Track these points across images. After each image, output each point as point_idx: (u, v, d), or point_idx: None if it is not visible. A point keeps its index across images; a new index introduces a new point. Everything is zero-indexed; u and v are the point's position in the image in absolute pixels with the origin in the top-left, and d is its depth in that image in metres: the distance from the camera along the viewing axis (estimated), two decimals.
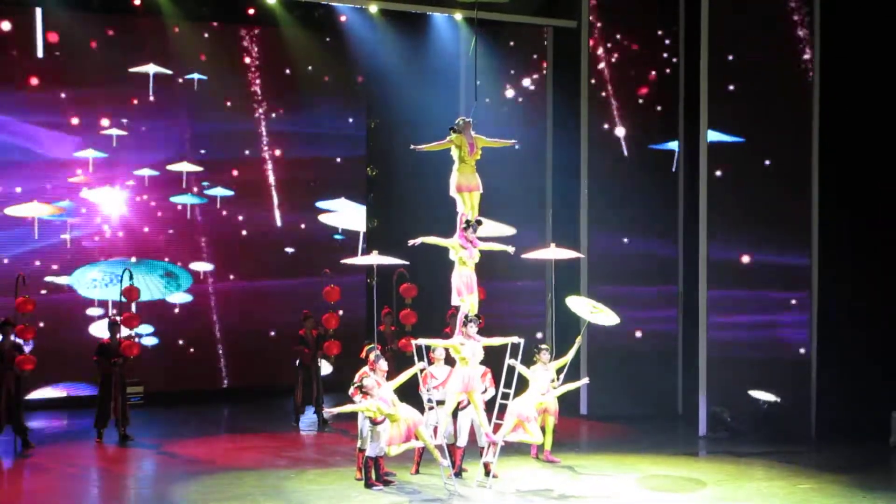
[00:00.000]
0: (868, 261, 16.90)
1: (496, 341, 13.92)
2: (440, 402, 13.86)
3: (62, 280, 19.60)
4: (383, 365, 13.72)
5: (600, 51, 19.01)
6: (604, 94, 19.03)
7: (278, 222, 21.11)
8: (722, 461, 15.45)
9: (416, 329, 17.47)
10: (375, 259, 15.32)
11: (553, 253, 15.36)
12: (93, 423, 16.63)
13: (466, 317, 13.80)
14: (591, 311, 14.97)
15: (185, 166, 20.46)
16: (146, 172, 20.15)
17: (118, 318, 16.88)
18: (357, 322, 20.53)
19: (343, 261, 16.72)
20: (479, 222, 14.11)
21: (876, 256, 16.92)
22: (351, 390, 13.77)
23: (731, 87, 17.24)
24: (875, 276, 16.89)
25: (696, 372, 17.41)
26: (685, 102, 18.92)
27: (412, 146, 14.26)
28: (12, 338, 15.91)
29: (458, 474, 14.00)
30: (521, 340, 13.87)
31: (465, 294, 13.99)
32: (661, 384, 18.99)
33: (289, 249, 21.15)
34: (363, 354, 14.07)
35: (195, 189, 20.54)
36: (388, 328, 18.08)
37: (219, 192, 20.76)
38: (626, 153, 19.11)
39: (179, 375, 20.31)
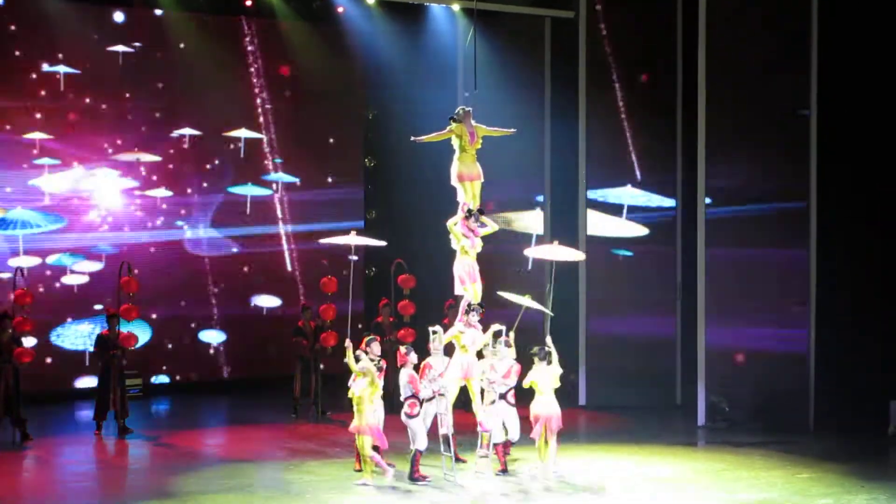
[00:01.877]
0: (866, 251, 16.89)
1: (488, 337, 13.97)
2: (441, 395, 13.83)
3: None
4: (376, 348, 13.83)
5: (598, 41, 18.95)
6: (602, 83, 18.97)
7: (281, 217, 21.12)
8: (720, 451, 15.46)
9: (414, 320, 17.48)
10: (353, 239, 14.97)
11: (555, 251, 14.95)
12: (92, 415, 16.65)
13: (469, 305, 13.83)
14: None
15: (244, 132, 20.28)
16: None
17: (117, 310, 16.89)
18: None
19: (321, 240, 16.43)
20: (480, 211, 14.13)
21: (874, 247, 16.91)
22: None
23: (728, 81, 17.19)
24: (873, 266, 16.89)
25: (695, 362, 17.41)
26: (683, 96, 18.87)
27: (413, 138, 14.26)
28: (10, 331, 15.91)
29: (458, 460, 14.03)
30: (503, 327, 13.91)
31: (467, 283, 14.06)
32: (659, 374, 18.99)
33: (353, 257, 20.44)
34: (363, 346, 14.08)
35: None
36: (387, 319, 18.08)
37: (281, 176, 20.89)
38: (628, 142, 19.07)
39: (179, 367, 20.33)
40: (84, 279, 19.48)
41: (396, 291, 18.00)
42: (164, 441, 16.23)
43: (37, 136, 19.16)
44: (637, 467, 14.36)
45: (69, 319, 19.33)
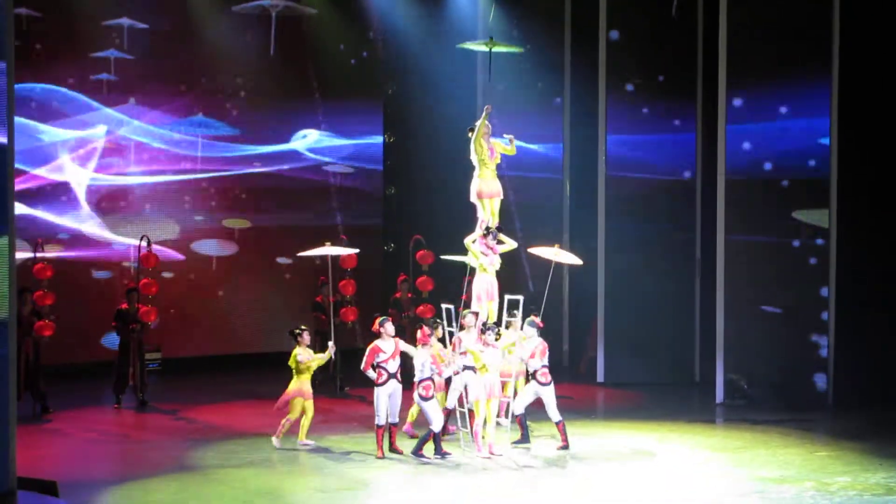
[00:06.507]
0: (886, 230, 16.84)
1: (504, 342, 13.99)
2: (468, 367, 13.76)
3: None
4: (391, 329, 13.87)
5: (618, 15, 18.82)
6: (622, 58, 18.83)
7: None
8: (738, 428, 15.45)
9: (432, 296, 17.49)
10: (328, 250, 15.11)
11: (554, 255, 14.85)
12: (111, 389, 16.72)
13: (485, 324, 13.82)
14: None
15: None
16: None
17: (136, 285, 16.94)
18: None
19: (299, 254, 16.01)
20: (499, 229, 14.16)
21: (894, 224, 16.86)
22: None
23: (751, 55, 17.09)
24: (892, 242, 16.84)
25: (714, 339, 17.37)
26: (703, 69, 18.76)
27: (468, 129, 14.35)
28: (31, 305, 15.97)
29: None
30: (521, 297, 13.99)
31: (484, 300, 14.08)
32: (678, 351, 18.94)
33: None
34: (375, 327, 13.93)
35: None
36: (405, 295, 18.09)
37: None
38: (645, 118, 18.97)
39: (197, 341, 20.36)
40: None
41: (415, 267, 18.01)
42: (182, 415, 16.30)
43: None
44: (655, 444, 14.36)
45: None
